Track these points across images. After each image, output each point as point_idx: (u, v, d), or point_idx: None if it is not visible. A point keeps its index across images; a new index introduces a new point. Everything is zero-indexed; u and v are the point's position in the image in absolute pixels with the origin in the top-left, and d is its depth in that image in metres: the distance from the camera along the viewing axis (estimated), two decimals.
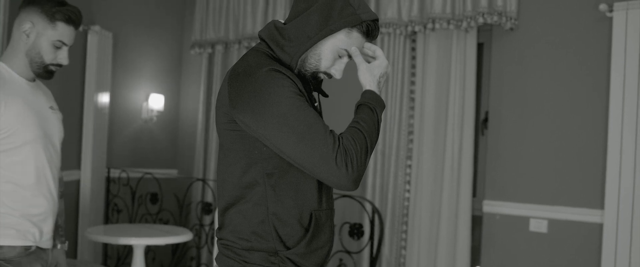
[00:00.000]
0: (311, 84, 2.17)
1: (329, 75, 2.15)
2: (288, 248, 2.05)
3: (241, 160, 2.05)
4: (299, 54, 2.07)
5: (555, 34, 4.86)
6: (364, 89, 2.13)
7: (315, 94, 2.25)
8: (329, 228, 2.17)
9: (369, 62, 2.19)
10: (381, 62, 2.16)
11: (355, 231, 5.07)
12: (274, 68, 1.98)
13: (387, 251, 5.34)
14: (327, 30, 2.06)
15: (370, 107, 2.06)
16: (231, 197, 2.09)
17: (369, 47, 2.18)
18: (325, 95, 2.28)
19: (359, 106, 2.08)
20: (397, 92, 5.32)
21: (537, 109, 4.91)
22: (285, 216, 2.04)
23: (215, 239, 5.29)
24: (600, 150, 4.63)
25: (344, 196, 4.99)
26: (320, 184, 2.12)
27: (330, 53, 2.09)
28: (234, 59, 6.35)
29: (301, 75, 2.12)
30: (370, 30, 2.11)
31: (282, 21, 2.15)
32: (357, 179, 1.91)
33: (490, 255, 5.09)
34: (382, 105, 2.11)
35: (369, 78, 2.13)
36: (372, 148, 1.99)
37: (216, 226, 5.38)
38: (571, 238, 4.74)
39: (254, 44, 6.13)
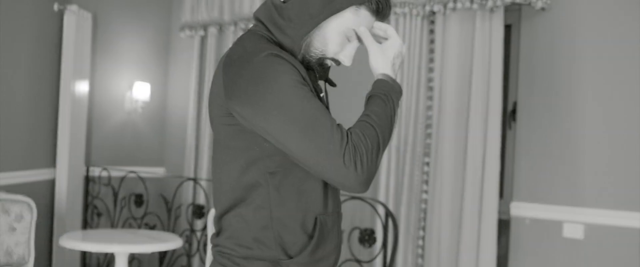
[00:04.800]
0: (317, 72, 2.15)
1: (337, 62, 2.14)
2: (290, 257, 2.05)
3: (240, 158, 2.05)
4: (301, 35, 2.06)
5: (592, 14, 4.85)
6: (376, 76, 2.13)
7: (321, 83, 2.24)
8: (336, 235, 2.17)
9: (380, 43, 2.17)
10: (394, 42, 2.14)
11: (367, 237, 5.09)
12: (274, 52, 1.98)
13: (401, 259, 5.35)
14: (331, 8, 2.04)
15: (382, 97, 2.05)
16: (229, 199, 2.09)
17: (379, 26, 2.16)
18: (333, 85, 2.26)
19: (370, 97, 2.08)
20: (414, 81, 5.33)
21: (571, 99, 4.90)
22: (288, 221, 2.05)
23: (209, 246, 5.27)
24: None
25: (354, 197, 5.01)
26: (326, 184, 2.12)
27: (337, 35, 2.09)
28: (229, 42, 6.34)
29: (306, 62, 2.11)
30: (381, 8, 2.10)
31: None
32: (367, 180, 1.91)
33: (519, 264, 5.10)
34: (399, 92, 2.10)
35: (381, 61, 2.12)
36: (385, 145, 1.99)
37: (210, 230, 5.36)
38: (610, 245, 4.74)
39: (251, 26, 6.11)
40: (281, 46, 2.08)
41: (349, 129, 1.96)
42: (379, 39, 2.18)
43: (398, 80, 2.11)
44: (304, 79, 1.99)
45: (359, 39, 2.12)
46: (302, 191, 2.07)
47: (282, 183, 2.04)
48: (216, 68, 2.14)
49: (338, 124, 1.93)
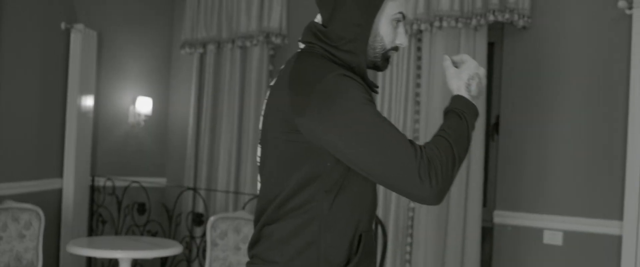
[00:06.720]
0: (383, 68, 2.17)
1: (396, 48, 2.15)
2: None
3: (298, 173, 2.02)
4: (363, 46, 2.07)
5: (571, 33, 4.85)
6: (452, 95, 2.12)
7: None
8: (375, 251, 2.17)
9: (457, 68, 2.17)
10: (469, 65, 2.12)
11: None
12: (343, 73, 1.97)
13: (390, 265, 5.33)
14: (372, 8, 2.06)
15: (458, 113, 2.02)
16: (277, 212, 2.06)
17: (457, 56, 2.18)
18: (377, 86, 2.23)
19: (446, 113, 2.06)
20: (402, 95, 5.32)
21: (551, 112, 4.90)
22: (336, 238, 2.03)
23: (209, 250, 5.28)
24: (619, 157, 4.62)
25: None
26: (374, 203, 2.14)
27: (387, 27, 2.10)
28: (227, 59, 6.36)
29: (371, 64, 2.13)
30: None
31: (319, 22, 2.14)
32: (441, 193, 1.86)
33: None
34: (474, 112, 2.07)
35: (455, 82, 2.11)
36: (461, 159, 1.95)
37: (208, 237, 5.38)
38: (588, 251, 4.73)
39: (248, 43, 6.16)
40: (343, 64, 2.06)
41: (424, 144, 1.92)
42: (457, 64, 2.16)
43: (476, 102, 2.07)
44: (371, 97, 1.98)
45: (404, 16, 2.12)
46: (354, 209, 2.05)
47: (335, 202, 2.02)
48: (274, 85, 2.12)
49: (410, 140, 1.89)
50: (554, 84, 4.90)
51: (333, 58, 2.07)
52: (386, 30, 2.10)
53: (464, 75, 2.10)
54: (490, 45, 5.27)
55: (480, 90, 2.13)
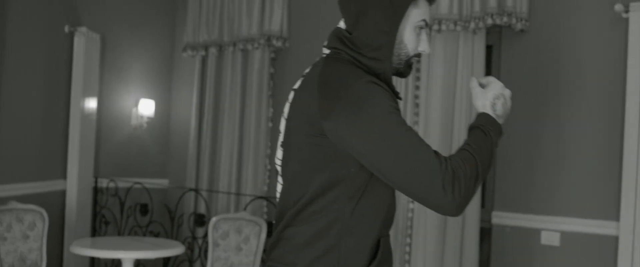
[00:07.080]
0: (406, 75, 2.18)
1: (419, 55, 2.16)
2: None
3: (321, 177, 2.02)
4: (388, 54, 2.07)
5: (568, 36, 4.87)
6: (477, 113, 2.13)
7: None
8: (392, 256, 2.17)
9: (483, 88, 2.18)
10: (494, 86, 2.14)
11: None
12: (373, 81, 1.98)
13: None
14: (396, 15, 2.06)
15: (483, 130, 2.03)
16: (298, 215, 2.06)
17: (484, 79, 2.19)
18: (399, 92, 2.24)
19: (470, 129, 2.07)
20: (401, 97, 5.30)
21: (549, 114, 4.92)
22: (356, 244, 2.03)
23: (210, 251, 5.27)
24: (616, 158, 4.64)
25: None
26: (394, 209, 2.14)
27: (411, 34, 2.10)
28: (229, 62, 6.38)
29: (395, 70, 2.13)
30: None
31: (344, 28, 2.15)
32: (463, 205, 1.87)
33: None
34: (498, 130, 2.08)
35: (481, 101, 2.12)
36: (484, 174, 1.96)
37: (210, 238, 5.39)
38: (585, 252, 4.74)
39: (250, 46, 6.17)
40: (369, 71, 2.06)
41: (449, 156, 1.92)
42: (483, 87, 2.18)
43: (501, 121, 2.08)
44: (397, 105, 1.99)
45: (426, 23, 2.12)
46: (376, 215, 2.06)
47: (358, 207, 2.02)
48: (302, 87, 2.12)
49: (435, 150, 1.90)
50: (552, 86, 4.91)
51: (359, 64, 2.07)
52: (410, 37, 2.10)
53: (490, 95, 2.11)
54: (489, 48, 5.26)
55: (505, 111, 2.13)
